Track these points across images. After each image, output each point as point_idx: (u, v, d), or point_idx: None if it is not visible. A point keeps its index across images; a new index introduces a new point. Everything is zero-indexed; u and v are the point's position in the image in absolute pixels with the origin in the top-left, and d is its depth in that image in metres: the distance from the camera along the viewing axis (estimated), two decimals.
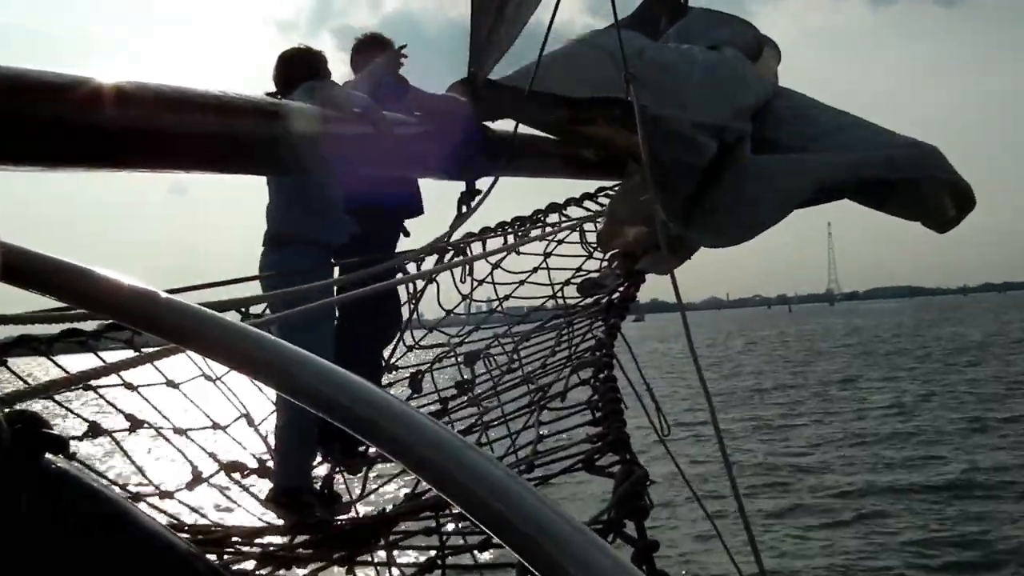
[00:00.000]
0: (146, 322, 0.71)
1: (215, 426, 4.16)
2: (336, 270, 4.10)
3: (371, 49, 4.42)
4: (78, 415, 3.81)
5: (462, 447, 0.62)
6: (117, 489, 3.74)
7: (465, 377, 4.17)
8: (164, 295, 0.71)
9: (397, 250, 4.37)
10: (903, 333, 57.50)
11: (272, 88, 3.94)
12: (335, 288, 3.72)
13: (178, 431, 3.97)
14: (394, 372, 4.71)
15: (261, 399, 4.21)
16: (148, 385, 3.88)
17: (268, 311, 3.98)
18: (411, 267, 4.43)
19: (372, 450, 4.27)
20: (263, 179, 4.08)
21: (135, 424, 3.83)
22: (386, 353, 4.66)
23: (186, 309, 0.70)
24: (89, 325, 3.78)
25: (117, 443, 3.77)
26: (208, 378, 4.08)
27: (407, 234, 4.48)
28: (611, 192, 4.70)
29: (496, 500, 0.61)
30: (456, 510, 2.80)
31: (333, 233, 4.05)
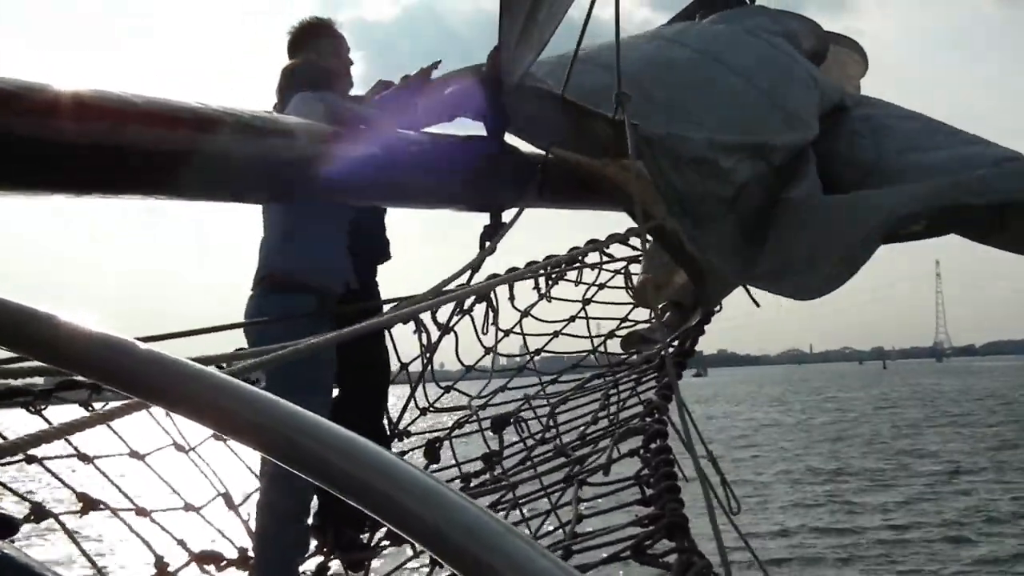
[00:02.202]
0: (123, 380, 0.71)
1: (187, 507, 4.14)
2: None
3: (317, 39, 4.23)
4: (16, 492, 3.79)
5: (506, 533, 0.62)
6: None
7: (492, 448, 4.14)
8: (144, 347, 0.72)
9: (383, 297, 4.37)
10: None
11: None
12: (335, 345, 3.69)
13: (141, 512, 3.95)
14: (404, 439, 4.68)
15: (243, 475, 4.20)
16: (106, 456, 3.87)
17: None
18: (425, 316, 4.41)
19: (377, 538, 4.23)
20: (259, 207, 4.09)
21: (88, 505, 3.80)
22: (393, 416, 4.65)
23: (174, 365, 0.70)
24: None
25: (65, 529, 3.73)
26: (180, 448, 4.08)
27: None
28: None
29: None
30: None
31: (337, 280, 4.04)
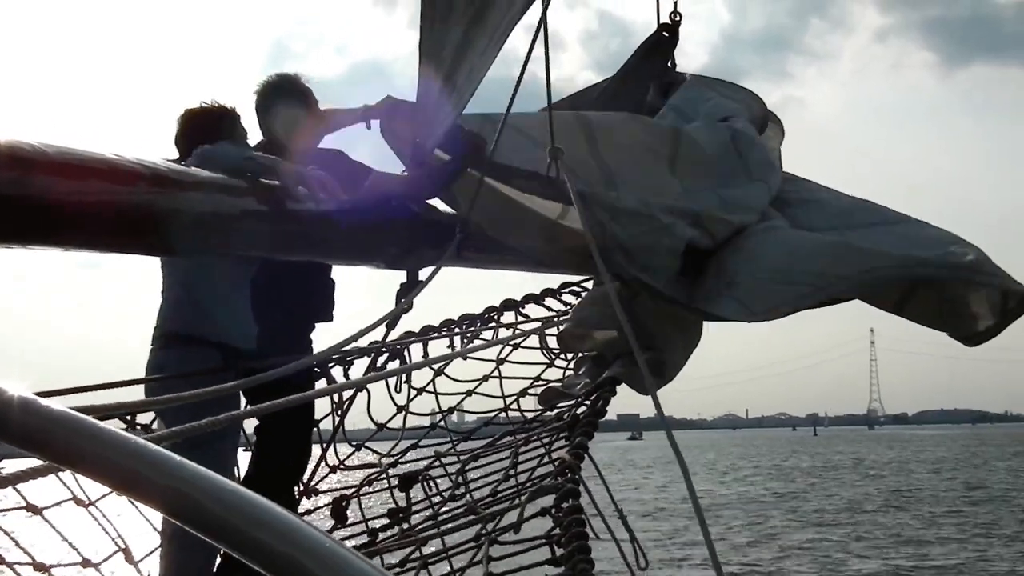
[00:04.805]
0: (21, 436, 0.71)
1: (84, 563, 4.10)
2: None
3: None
4: None
5: None
6: None
7: (399, 504, 4.17)
8: (44, 402, 0.73)
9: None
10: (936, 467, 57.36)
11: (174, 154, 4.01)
12: (242, 397, 3.71)
13: (39, 568, 3.91)
14: (313, 497, 4.70)
15: (144, 529, 4.17)
16: (2, 511, 3.83)
17: (156, 419, 3.98)
18: (336, 371, 4.46)
19: None
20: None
21: None
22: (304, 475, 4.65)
23: (70, 420, 0.71)
24: None
25: None
26: (79, 503, 4.05)
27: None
28: (576, 288, 4.82)
29: None
30: None
31: (238, 335, 4.06)
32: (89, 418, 0.73)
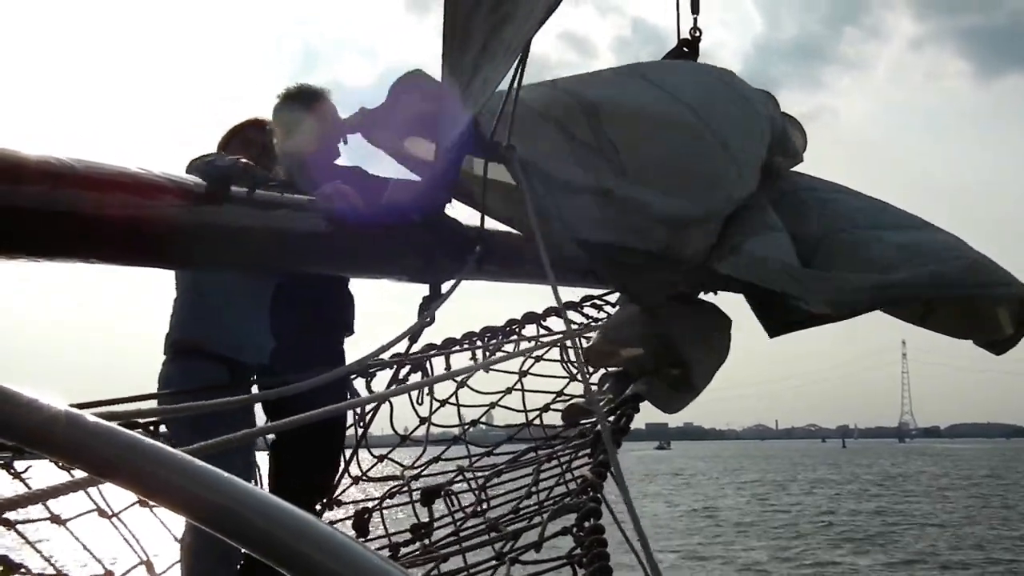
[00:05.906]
0: (68, 451, 0.74)
1: (107, 574, 4.17)
2: (255, 389, 4.14)
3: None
4: None
5: None
6: None
7: (422, 519, 4.21)
8: (89, 417, 0.76)
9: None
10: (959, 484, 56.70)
11: None
12: (258, 411, 3.75)
13: None
14: (335, 509, 4.77)
15: (166, 541, 4.24)
16: (28, 521, 3.91)
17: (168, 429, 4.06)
18: (359, 384, 4.51)
19: None
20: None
21: (8, 568, 3.84)
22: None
23: (115, 436, 0.75)
24: None
25: None
26: (103, 514, 4.12)
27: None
28: (598, 301, 4.85)
29: None
30: None
31: (250, 349, 4.10)
32: (132, 432, 0.76)
